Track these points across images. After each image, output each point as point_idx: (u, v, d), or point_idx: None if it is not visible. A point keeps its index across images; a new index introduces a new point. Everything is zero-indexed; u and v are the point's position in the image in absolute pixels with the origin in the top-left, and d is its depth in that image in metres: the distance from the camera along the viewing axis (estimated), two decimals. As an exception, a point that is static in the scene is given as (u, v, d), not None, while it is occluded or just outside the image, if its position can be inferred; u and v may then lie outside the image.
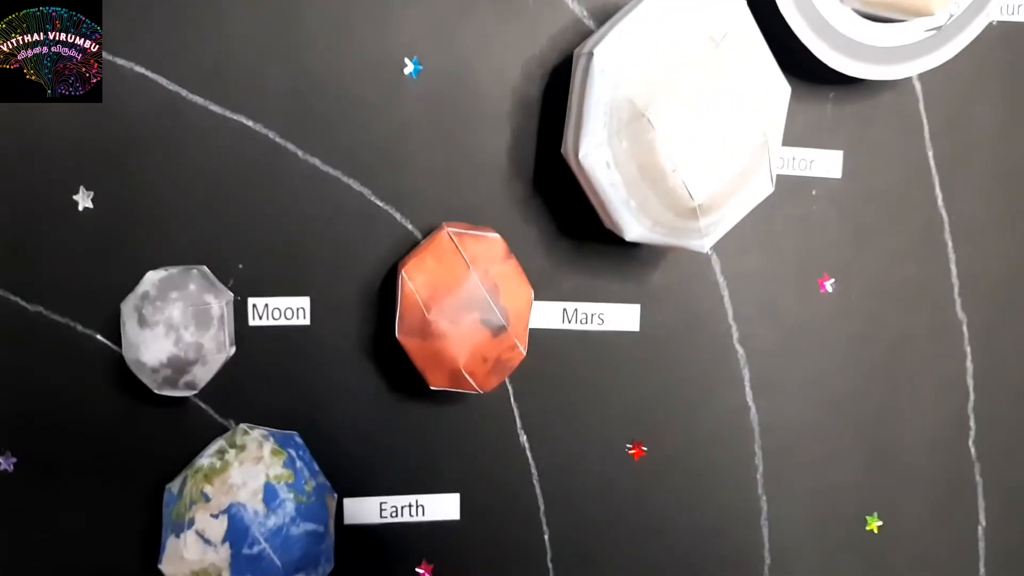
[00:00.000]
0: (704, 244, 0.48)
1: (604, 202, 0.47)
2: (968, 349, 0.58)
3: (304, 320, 0.54)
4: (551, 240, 0.55)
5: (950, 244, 0.57)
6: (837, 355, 0.58)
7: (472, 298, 0.48)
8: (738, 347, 0.57)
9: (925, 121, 0.56)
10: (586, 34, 0.52)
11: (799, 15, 0.49)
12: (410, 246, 0.53)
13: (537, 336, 0.55)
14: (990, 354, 0.58)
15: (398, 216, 0.53)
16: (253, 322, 0.53)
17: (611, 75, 0.44)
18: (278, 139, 0.52)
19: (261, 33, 0.51)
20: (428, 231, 0.53)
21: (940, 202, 0.57)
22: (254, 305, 0.53)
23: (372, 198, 0.53)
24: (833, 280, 0.57)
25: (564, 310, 0.56)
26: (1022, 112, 0.56)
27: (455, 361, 0.48)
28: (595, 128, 0.45)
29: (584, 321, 0.56)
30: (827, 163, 0.56)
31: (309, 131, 0.52)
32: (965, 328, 0.58)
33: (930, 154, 0.56)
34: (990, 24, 0.52)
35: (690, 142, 0.44)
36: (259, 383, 0.54)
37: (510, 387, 0.56)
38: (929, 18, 0.49)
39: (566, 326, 0.56)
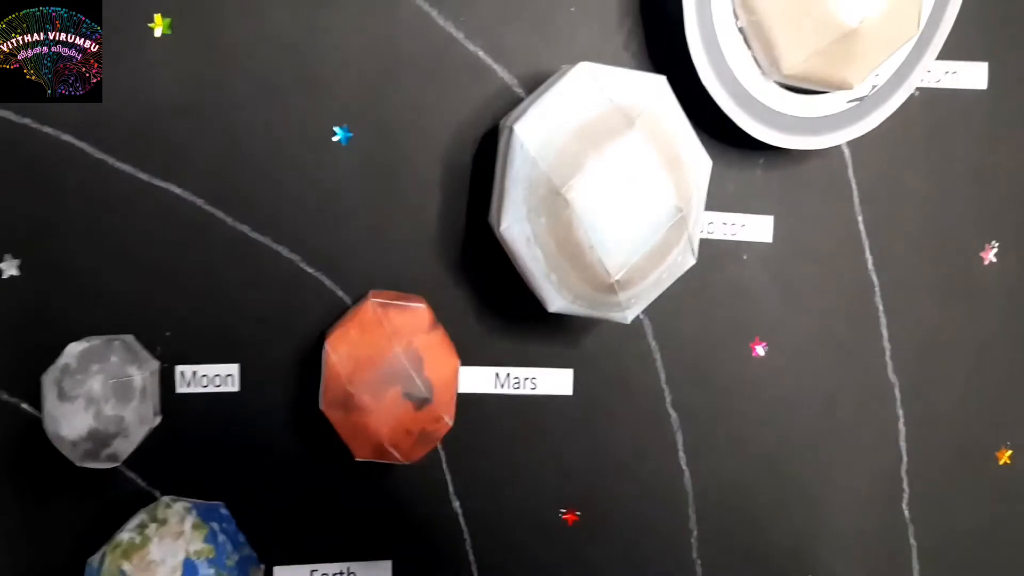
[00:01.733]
0: (626, 316, 0.48)
1: (526, 275, 0.47)
2: (900, 412, 0.59)
3: (233, 387, 0.53)
4: (483, 305, 0.55)
5: (881, 307, 0.58)
6: (770, 418, 0.58)
7: (394, 371, 0.48)
8: (671, 411, 0.57)
9: (854, 186, 0.56)
10: (516, 102, 0.52)
11: (722, 88, 0.49)
12: (341, 312, 0.53)
13: (469, 401, 0.55)
14: (922, 417, 0.59)
15: (328, 282, 0.53)
16: (181, 389, 0.53)
17: (530, 151, 0.45)
18: (206, 206, 0.52)
19: (189, 98, 0.51)
20: (359, 297, 0.53)
21: (870, 266, 0.57)
22: (182, 373, 0.53)
23: (302, 264, 0.53)
24: (765, 344, 0.57)
25: (496, 375, 0.56)
26: (949, 177, 0.57)
27: (377, 435, 0.48)
28: (515, 203, 0.46)
29: (517, 386, 0.56)
30: (758, 228, 0.56)
31: (238, 198, 0.52)
32: (897, 391, 0.59)
33: (860, 219, 0.57)
34: (913, 94, 0.52)
35: (607, 219, 0.44)
36: (188, 451, 0.54)
37: (442, 452, 0.56)
38: (852, 89, 0.50)
39: (498, 391, 0.56)
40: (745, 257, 0.56)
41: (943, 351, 0.58)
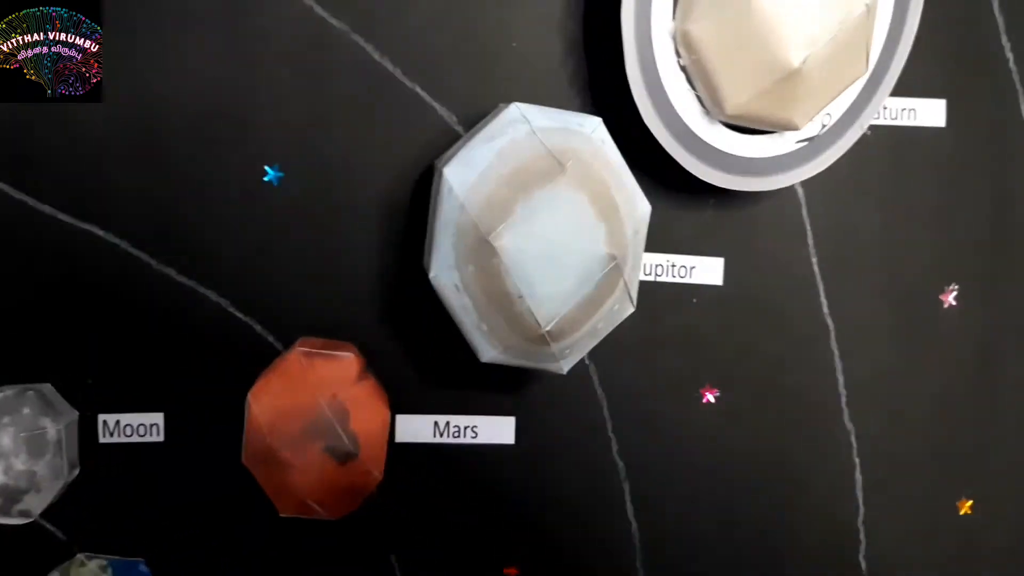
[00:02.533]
0: (561, 367, 0.46)
1: (458, 324, 0.45)
2: (857, 460, 0.56)
3: (158, 437, 0.51)
4: (422, 351, 0.52)
5: (836, 352, 0.56)
6: (721, 467, 0.56)
7: (318, 425, 0.45)
8: (618, 460, 0.55)
9: (808, 227, 0.54)
10: (456, 141, 0.50)
11: (664, 129, 0.47)
12: (271, 359, 0.51)
13: (407, 451, 0.53)
14: (880, 466, 0.56)
15: (258, 328, 0.51)
16: (104, 439, 0.51)
17: (458, 195, 0.43)
18: (131, 249, 0.50)
19: (113, 137, 0.48)
20: (291, 343, 0.51)
21: (826, 309, 0.55)
22: (104, 422, 0.51)
23: (231, 309, 0.51)
24: (716, 390, 0.55)
25: (435, 423, 0.53)
26: (908, 218, 0.55)
27: (300, 491, 0.45)
28: (444, 249, 0.44)
29: (457, 435, 0.53)
30: (708, 270, 0.54)
31: (163, 240, 0.50)
32: (853, 439, 0.56)
33: (814, 261, 0.55)
34: (866, 134, 0.50)
35: (536, 268, 0.42)
36: (109, 504, 0.51)
37: (379, 505, 0.53)
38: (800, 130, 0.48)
39: (438, 440, 0.53)
40: (695, 300, 0.54)
41: (901, 398, 0.56)
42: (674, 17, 0.46)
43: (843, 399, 0.56)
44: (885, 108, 0.53)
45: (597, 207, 0.42)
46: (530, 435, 0.54)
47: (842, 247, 0.55)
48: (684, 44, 0.45)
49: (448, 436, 0.53)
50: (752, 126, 0.47)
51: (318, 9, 0.49)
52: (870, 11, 0.43)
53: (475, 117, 0.50)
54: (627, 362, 0.54)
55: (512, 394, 0.53)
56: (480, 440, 0.54)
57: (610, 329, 0.46)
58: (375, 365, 0.51)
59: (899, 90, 0.53)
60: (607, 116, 0.48)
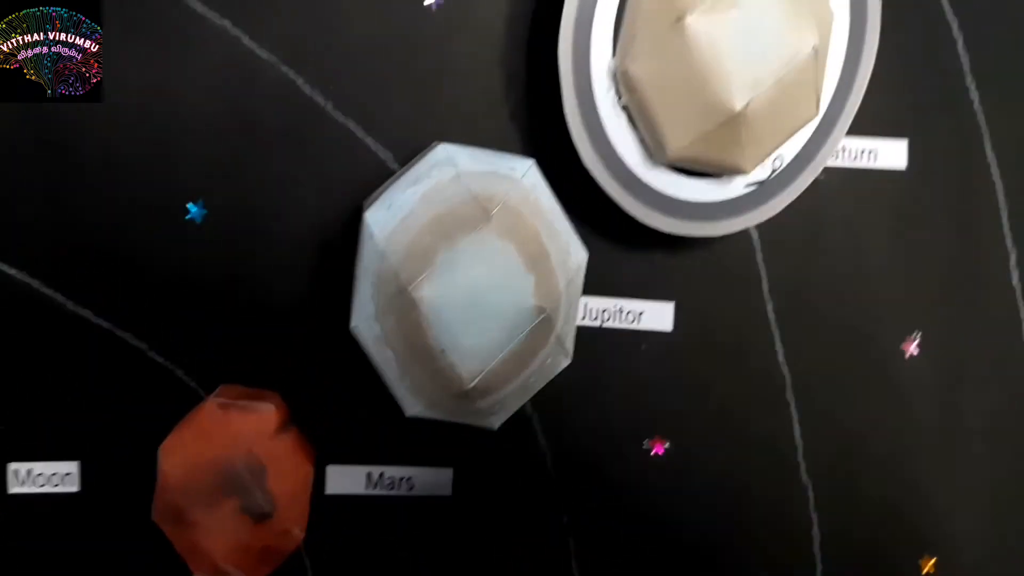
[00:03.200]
0: (491, 423, 0.43)
1: (381, 375, 0.42)
2: (814, 516, 0.53)
3: (72, 487, 0.48)
4: (354, 399, 0.50)
5: (792, 403, 0.53)
6: (671, 520, 0.53)
7: (231, 482, 0.42)
8: (562, 513, 0.52)
9: (763, 273, 0.52)
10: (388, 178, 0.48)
11: (605, 170, 0.44)
12: (193, 405, 0.48)
13: (338, 504, 0.50)
14: (838, 522, 0.54)
15: (179, 373, 0.48)
16: (14, 489, 0.48)
17: (379, 242, 0.40)
18: (43, 288, 0.47)
19: (24, 171, 0.46)
20: (213, 389, 0.48)
21: (781, 358, 0.52)
22: (16, 471, 0.48)
23: (151, 353, 0.48)
24: (666, 441, 0.52)
25: (368, 474, 0.51)
26: (868, 263, 0.52)
27: (212, 553, 0.42)
28: (365, 299, 0.41)
29: (391, 486, 0.51)
30: (657, 315, 0.51)
31: (78, 279, 0.47)
32: (811, 493, 0.53)
33: (769, 307, 0.52)
34: (819, 178, 0.47)
35: (459, 322, 0.39)
36: (20, 557, 0.48)
37: (308, 562, 0.50)
38: (749, 174, 0.45)
39: (371, 492, 0.50)
40: (644, 347, 0.51)
41: (861, 451, 0.53)
42: (614, 55, 0.43)
43: (800, 452, 0.53)
44: (844, 149, 0.51)
45: (526, 256, 0.40)
46: (469, 487, 0.51)
47: (799, 293, 0.52)
48: (624, 84, 0.43)
49: (382, 488, 0.51)
50: (698, 169, 0.44)
51: (245, 40, 0.47)
52: (818, 52, 0.41)
53: (411, 154, 0.48)
54: (572, 411, 0.51)
55: (450, 444, 0.51)
56: (416, 492, 0.51)
57: (544, 383, 0.44)
58: (303, 413, 0.48)
59: (858, 130, 0.51)
60: (549, 156, 0.46)
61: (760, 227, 0.51)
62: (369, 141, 0.48)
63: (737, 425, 0.53)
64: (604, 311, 0.51)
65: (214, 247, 0.48)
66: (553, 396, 0.50)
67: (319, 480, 0.50)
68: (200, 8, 0.46)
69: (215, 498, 0.43)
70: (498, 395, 0.42)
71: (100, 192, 0.47)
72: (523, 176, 0.41)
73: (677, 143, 0.42)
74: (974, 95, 0.52)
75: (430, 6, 0.47)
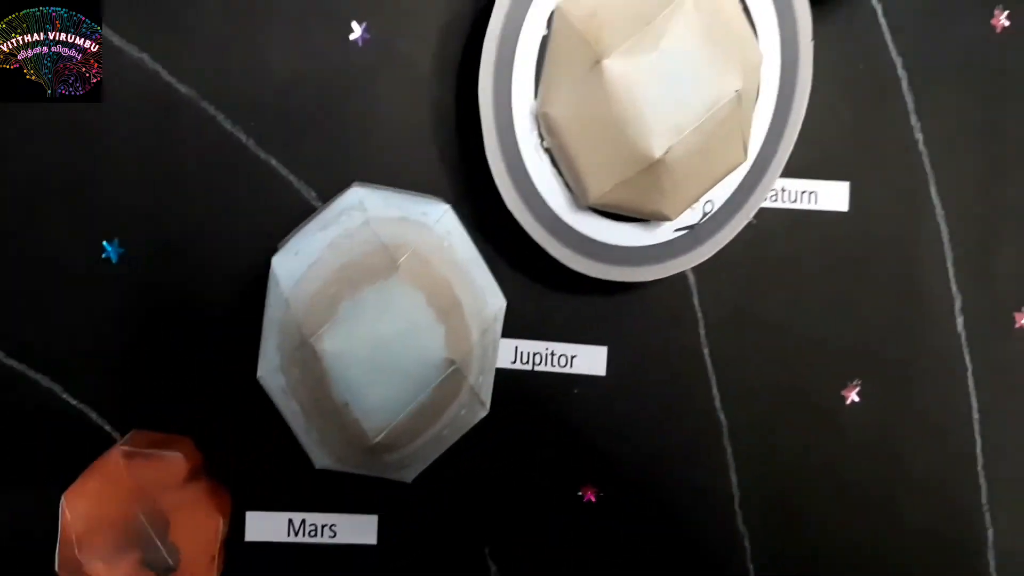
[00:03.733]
0: (404, 476, 0.42)
1: (290, 426, 0.40)
2: (751, 567, 0.52)
3: (-20, 533, 0.46)
4: (275, 444, 0.48)
5: (730, 450, 0.51)
6: (605, 568, 0.51)
7: (133, 535, 0.41)
8: (491, 563, 0.50)
9: (700, 316, 0.50)
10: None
11: (530, 215, 0.43)
12: (107, 448, 0.46)
13: (259, 552, 0.48)
14: (776, 571, 0.52)
15: (94, 416, 0.47)
16: (-80, 534, 0.46)
17: (284, 290, 0.38)
18: (-47, 328, 0.45)
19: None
20: (128, 433, 0.47)
21: (718, 404, 0.51)
22: (-79, 515, 0.46)
23: (64, 396, 0.47)
24: (597, 488, 0.50)
25: (290, 521, 0.49)
26: (808, 307, 0.51)
27: (110, 610, 0.40)
28: (271, 348, 0.39)
29: (314, 534, 0.49)
30: (590, 359, 0.50)
31: (-8, 321, 0.45)
32: (747, 543, 0.52)
33: (706, 352, 0.51)
34: (751, 222, 0.46)
35: (363, 375, 0.38)
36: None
37: (223, 610, 0.49)
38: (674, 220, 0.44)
39: (293, 539, 0.49)
40: (576, 391, 0.50)
41: (799, 500, 0.52)
42: (536, 97, 0.41)
43: (736, 500, 0.52)
44: (784, 191, 0.49)
45: (436, 307, 0.38)
46: (393, 534, 0.50)
47: (736, 338, 0.50)
48: (545, 127, 0.41)
49: (304, 535, 0.49)
50: (622, 213, 0.43)
51: (164, 74, 0.45)
52: (741, 97, 0.39)
53: (334, 192, 0.47)
54: (502, 457, 0.50)
55: (373, 490, 0.49)
56: (339, 540, 0.49)
57: (459, 435, 0.42)
58: (221, 458, 0.46)
59: (799, 172, 0.50)
60: (477, 198, 0.44)
61: (697, 270, 0.50)
62: (291, 179, 0.47)
63: (672, 472, 0.51)
64: (536, 354, 0.50)
65: (131, 287, 0.47)
66: (483, 441, 0.48)
67: (239, 527, 0.49)
68: (118, 41, 0.45)
69: (117, 552, 0.41)
70: (408, 449, 0.40)
71: (14, 228, 0.45)
72: (437, 222, 0.40)
73: (598, 189, 0.41)
74: (919, 136, 0.51)
75: (355, 41, 0.46)
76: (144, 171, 0.46)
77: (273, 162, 0.47)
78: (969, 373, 0.52)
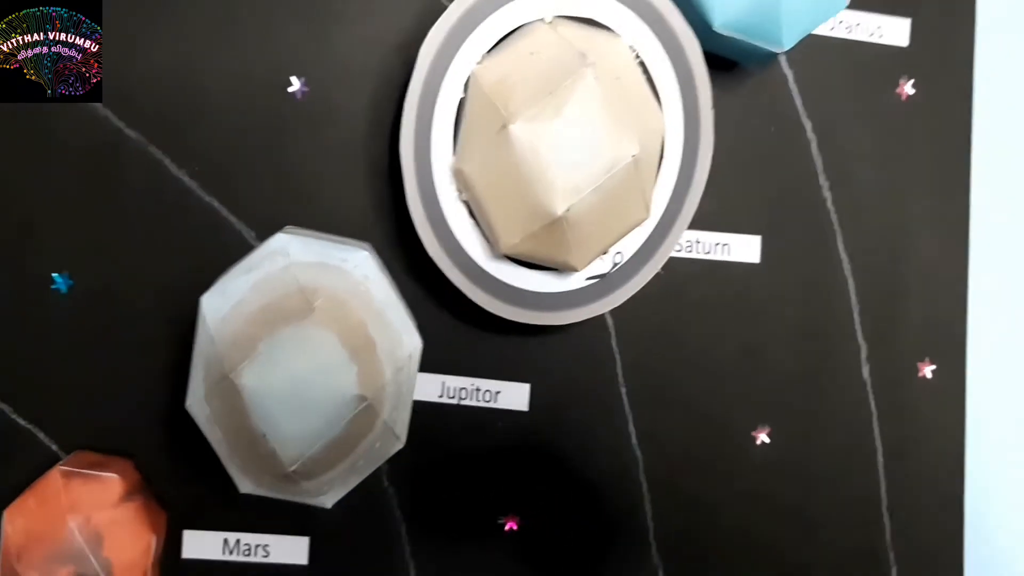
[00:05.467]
0: (324, 502, 0.45)
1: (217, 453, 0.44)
2: (665, 600, 0.55)
3: (-68, 544, 0.49)
4: (211, 466, 0.51)
5: (645, 485, 0.54)
6: (524, 598, 0.54)
7: (67, 550, 0.44)
8: (415, 588, 0.53)
9: (618, 357, 0.53)
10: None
11: (448, 259, 0.46)
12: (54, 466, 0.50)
13: (195, 568, 0.51)
14: (687, 605, 0.55)
15: (42, 436, 0.50)
16: None
17: (210, 327, 0.42)
18: (-91, 350, 0.49)
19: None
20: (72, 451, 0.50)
21: (635, 440, 0.54)
22: None
23: (13, 416, 0.50)
24: (518, 518, 0.53)
25: (225, 540, 0.52)
26: (718, 353, 0.54)
27: (44, 620, 0.44)
28: (198, 379, 0.43)
29: (247, 553, 0.52)
30: (514, 394, 0.53)
31: (-55, 342, 0.49)
32: (662, 573, 0.55)
33: (623, 391, 0.54)
34: (659, 273, 0.49)
35: (279, 408, 0.41)
36: None
37: (159, 622, 0.52)
38: (590, 267, 0.47)
39: (227, 558, 0.52)
40: (500, 425, 0.53)
41: (711, 535, 0.55)
42: (455, 152, 0.45)
43: (651, 532, 0.55)
44: (699, 242, 0.53)
45: (349, 347, 0.41)
46: (325, 557, 0.53)
47: (653, 379, 0.54)
48: (460, 181, 0.45)
49: (238, 554, 0.52)
50: (538, 262, 0.47)
51: (114, 119, 0.49)
52: (638, 161, 0.43)
53: (273, 234, 0.50)
54: (428, 486, 0.53)
55: (306, 513, 0.52)
56: (272, 560, 0.52)
57: (375, 466, 0.45)
58: (160, 479, 0.49)
59: (713, 225, 0.53)
60: (407, 244, 0.47)
61: (616, 314, 0.53)
62: (233, 220, 0.50)
63: (590, 503, 0.54)
64: (462, 389, 0.53)
65: (80, 316, 0.50)
66: (410, 471, 0.51)
67: (176, 545, 0.52)
68: (75, 89, 0.48)
69: (51, 567, 0.44)
70: (324, 477, 0.43)
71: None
72: (355, 267, 0.43)
73: (508, 240, 0.44)
74: (827, 195, 0.54)
75: (294, 94, 0.50)
76: (94, 210, 0.49)
77: (216, 204, 0.50)
78: (874, 418, 0.56)
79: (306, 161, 0.50)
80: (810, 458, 0.55)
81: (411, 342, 0.45)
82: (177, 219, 0.50)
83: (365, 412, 0.42)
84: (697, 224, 0.53)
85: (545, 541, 0.54)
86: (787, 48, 0.46)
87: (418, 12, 0.49)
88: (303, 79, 0.50)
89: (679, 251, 0.53)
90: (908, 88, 0.54)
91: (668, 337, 0.54)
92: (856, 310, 0.55)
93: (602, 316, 0.53)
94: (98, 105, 0.49)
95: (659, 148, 0.46)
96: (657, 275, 0.50)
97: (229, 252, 0.50)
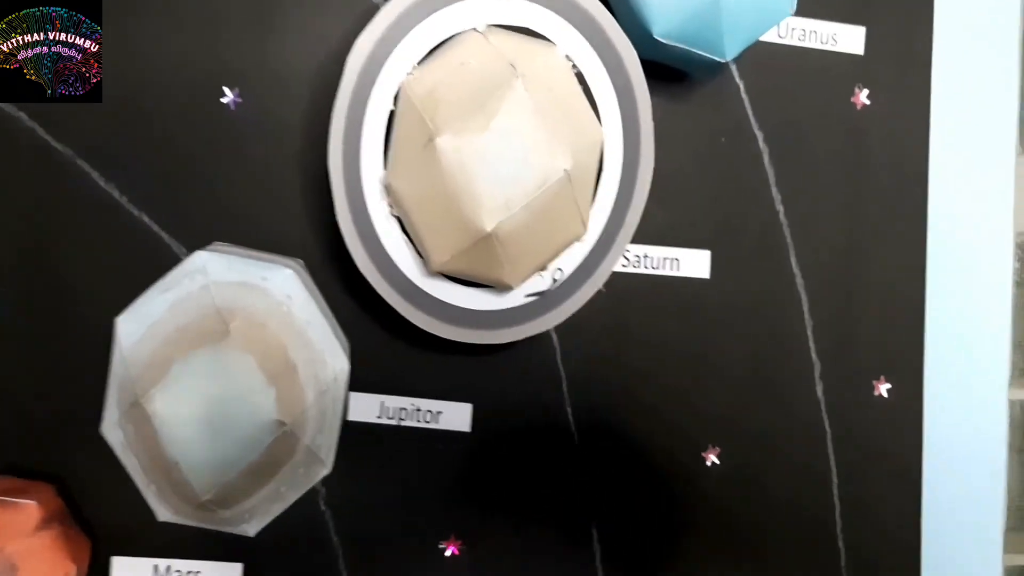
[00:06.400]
0: (246, 531, 0.43)
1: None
2: (609, 625, 0.53)
3: None
4: (141, 495, 0.49)
5: (592, 508, 0.52)
6: (466, 623, 0.52)
7: (-21, 581, 0.42)
8: (353, 614, 0.51)
9: (563, 375, 0.52)
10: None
11: (381, 277, 0.45)
12: (-23, 492, 0.48)
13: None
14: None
15: (-36, 460, 0.48)
16: None
17: (124, 349, 0.40)
18: None
19: None
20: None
21: (581, 461, 0.52)
22: None
23: (-65, 439, 0.48)
24: (461, 542, 0.52)
25: (155, 567, 0.50)
26: (666, 371, 0.52)
27: (-46, 653, 0.42)
28: (112, 404, 0.41)
29: (179, 579, 0.50)
30: (455, 415, 0.51)
31: None
32: (607, 600, 0.53)
33: (569, 411, 0.52)
34: (600, 290, 0.47)
35: (192, 435, 0.39)
36: None
37: (87, 652, 0.50)
38: (528, 284, 0.45)
39: (159, 584, 0.50)
40: (440, 447, 0.51)
41: (659, 556, 0.53)
42: (385, 166, 0.43)
43: (598, 556, 0.53)
44: (647, 257, 0.51)
45: (267, 370, 0.40)
46: (260, 582, 0.51)
47: (600, 399, 0.52)
48: (391, 196, 0.43)
49: (170, 579, 0.50)
50: (472, 279, 0.45)
51: (41, 132, 0.47)
52: (571, 176, 0.41)
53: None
54: (366, 510, 0.51)
55: (240, 538, 0.50)
56: (204, 585, 0.50)
57: (301, 492, 0.44)
58: (88, 505, 0.48)
59: (662, 239, 0.51)
60: (344, 261, 0.46)
61: (561, 331, 0.51)
62: (163, 235, 0.49)
63: (535, 527, 0.53)
64: (402, 410, 0.51)
65: (7, 336, 0.48)
66: (347, 494, 0.50)
67: (103, 573, 0.50)
68: (-5, 99, 0.46)
69: (-39, 597, 0.42)
70: (245, 505, 0.42)
71: None
72: (277, 286, 0.41)
73: (439, 257, 0.43)
74: (779, 207, 0.52)
75: (227, 105, 0.48)
76: (21, 225, 0.48)
77: (145, 219, 0.48)
78: (828, 438, 0.54)
79: (239, 174, 0.49)
80: (762, 480, 0.54)
81: (336, 363, 0.43)
82: (105, 234, 0.48)
83: (285, 437, 0.41)
84: (644, 238, 0.51)
85: (487, 566, 0.53)
86: (730, 58, 0.45)
87: (356, 20, 0.48)
88: (236, 90, 0.48)
89: (626, 266, 0.51)
90: (863, 97, 0.53)
91: (615, 355, 0.52)
92: (809, 326, 0.53)
93: (547, 333, 0.52)
94: (23, 116, 0.47)
95: (596, 161, 0.44)
96: (599, 292, 0.48)
97: (160, 269, 0.48)
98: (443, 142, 0.40)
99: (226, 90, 0.48)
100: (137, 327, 0.40)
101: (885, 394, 0.54)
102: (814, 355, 0.53)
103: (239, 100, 0.48)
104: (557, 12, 0.43)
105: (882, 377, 0.54)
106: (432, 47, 0.43)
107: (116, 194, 0.48)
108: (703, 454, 0.53)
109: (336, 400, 0.43)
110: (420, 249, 0.44)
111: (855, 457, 0.54)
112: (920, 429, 0.54)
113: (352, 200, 0.44)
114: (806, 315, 0.53)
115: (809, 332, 0.53)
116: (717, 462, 0.53)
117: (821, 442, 0.54)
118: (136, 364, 0.39)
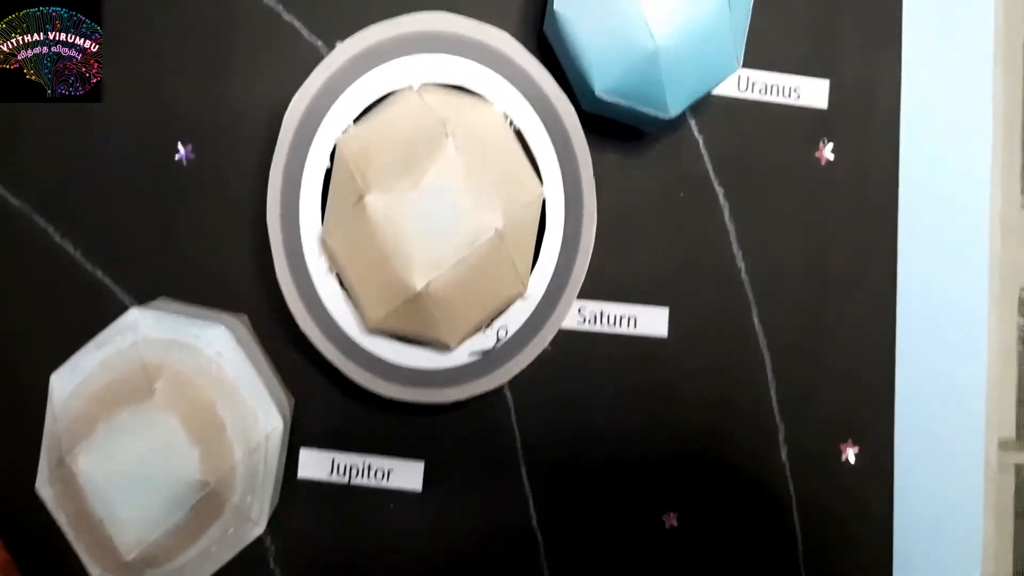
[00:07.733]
0: (175, 593, 0.42)
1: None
2: None
3: None
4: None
5: (546, 568, 0.51)
6: None
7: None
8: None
9: (517, 434, 0.51)
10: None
11: (321, 334, 0.44)
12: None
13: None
14: None
15: (-84, 510, 0.48)
16: None
17: (56, 404, 0.40)
18: None
19: None
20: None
21: (535, 522, 0.51)
22: None
23: None
24: (412, 603, 0.51)
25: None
26: (624, 434, 0.51)
27: None
28: (44, 460, 0.41)
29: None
30: (407, 472, 0.50)
31: None
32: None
33: (523, 471, 0.51)
34: (546, 349, 0.47)
35: (119, 493, 0.39)
36: None
37: None
38: (471, 342, 0.45)
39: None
40: (392, 506, 0.50)
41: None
42: (323, 223, 0.43)
43: (554, 612, 0.51)
44: (603, 314, 0.50)
45: (192, 429, 0.39)
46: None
47: (555, 459, 0.51)
48: (327, 255, 0.43)
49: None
50: (414, 338, 0.44)
51: (-4, 188, 0.48)
52: (503, 234, 0.40)
53: (151, 298, 0.48)
54: (316, 570, 0.50)
55: None
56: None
57: (235, 551, 0.43)
58: (33, 559, 0.48)
59: (618, 296, 0.50)
60: (290, 317, 0.46)
61: (515, 388, 0.51)
62: (116, 289, 0.49)
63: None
64: (352, 467, 0.51)
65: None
66: (298, 553, 0.49)
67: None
68: (-44, 156, 0.47)
69: None
70: (173, 564, 0.41)
71: None
72: (207, 344, 0.41)
73: (373, 316, 0.42)
74: (740, 264, 0.51)
75: (180, 160, 0.48)
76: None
77: (99, 273, 0.49)
78: (793, 503, 0.52)
79: (190, 228, 0.49)
80: (723, 545, 0.52)
81: (269, 421, 0.42)
82: (58, 288, 0.49)
83: (210, 497, 0.40)
84: (600, 295, 0.51)
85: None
86: (674, 114, 0.44)
87: (307, 76, 0.48)
88: (189, 145, 0.49)
89: (582, 324, 0.50)
90: (828, 152, 0.52)
91: (571, 414, 0.51)
92: (773, 387, 0.52)
93: (501, 391, 0.51)
94: (-23, 173, 0.48)
95: (536, 218, 0.43)
96: (546, 350, 0.47)
97: (110, 320, 0.49)
98: (373, 200, 0.40)
99: (179, 146, 0.48)
100: (70, 383, 0.40)
101: (852, 459, 0.52)
102: (778, 417, 0.51)
103: (192, 156, 0.48)
104: (494, 69, 0.43)
105: (849, 440, 0.52)
106: (369, 105, 0.43)
107: (71, 248, 0.49)
108: (662, 517, 0.51)
109: (269, 458, 0.42)
110: (356, 307, 0.44)
111: (820, 521, 0.52)
112: (891, 497, 0.52)
113: (291, 256, 0.44)
114: (769, 375, 0.51)
115: (772, 393, 0.51)
116: (676, 525, 0.51)
117: (786, 508, 0.52)
118: (64, 420, 0.39)
